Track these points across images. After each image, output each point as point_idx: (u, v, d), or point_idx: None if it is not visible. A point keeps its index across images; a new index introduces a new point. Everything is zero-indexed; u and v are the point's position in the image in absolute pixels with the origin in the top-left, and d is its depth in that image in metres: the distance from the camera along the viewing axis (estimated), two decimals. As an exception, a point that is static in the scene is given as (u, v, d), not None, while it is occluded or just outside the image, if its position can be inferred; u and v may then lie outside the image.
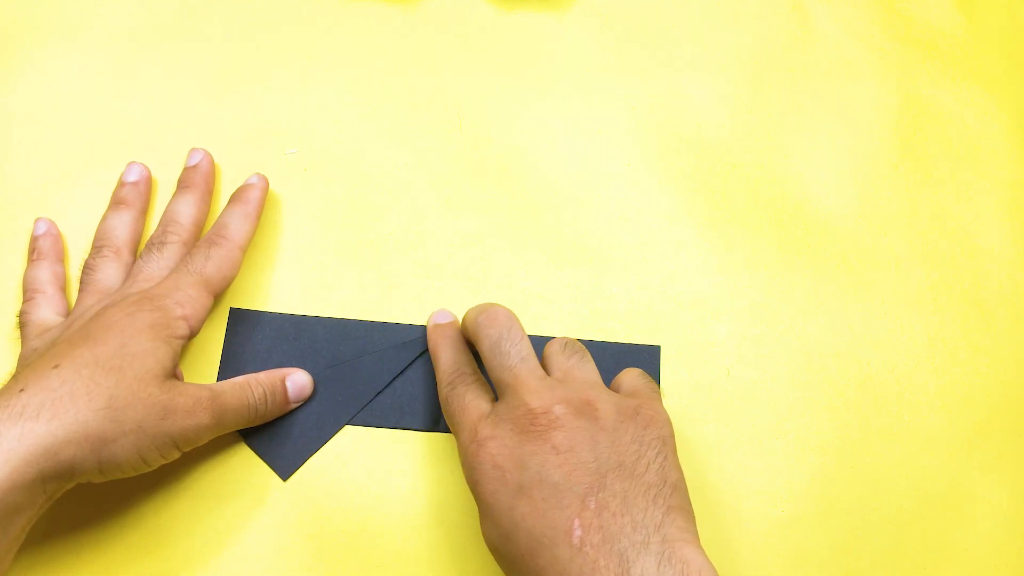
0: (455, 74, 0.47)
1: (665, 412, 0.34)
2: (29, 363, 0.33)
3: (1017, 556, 0.40)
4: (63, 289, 0.40)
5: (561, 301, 0.42)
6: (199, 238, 0.40)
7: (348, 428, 0.39)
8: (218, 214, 0.41)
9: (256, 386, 0.37)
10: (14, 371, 0.36)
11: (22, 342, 0.37)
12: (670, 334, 0.42)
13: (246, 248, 0.40)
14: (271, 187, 0.43)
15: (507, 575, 0.31)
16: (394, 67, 0.47)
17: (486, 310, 0.37)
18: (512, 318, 0.37)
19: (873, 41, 0.50)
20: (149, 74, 0.46)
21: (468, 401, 0.35)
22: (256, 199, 0.41)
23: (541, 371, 0.35)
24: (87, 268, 0.39)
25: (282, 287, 0.41)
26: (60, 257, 0.41)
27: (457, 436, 0.34)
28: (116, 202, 0.41)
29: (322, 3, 0.48)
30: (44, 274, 0.39)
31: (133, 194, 0.41)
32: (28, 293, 0.39)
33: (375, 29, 0.48)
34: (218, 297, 0.39)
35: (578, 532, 0.29)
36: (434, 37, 0.48)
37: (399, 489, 0.38)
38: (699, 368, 0.41)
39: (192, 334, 0.36)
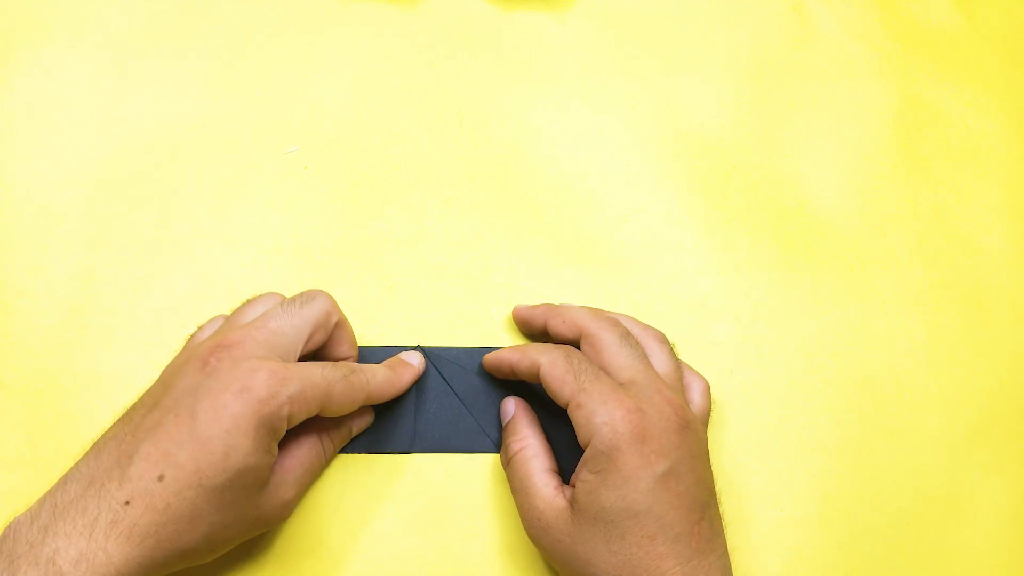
0: (455, 74, 0.47)
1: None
2: (136, 455, 0.30)
3: (1017, 556, 0.40)
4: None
5: (561, 301, 0.42)
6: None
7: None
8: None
9: (328, 444, 0.36)
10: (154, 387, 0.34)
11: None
12: (670, 334, 0.42)
13: (369, 402, 0.36)
14: (270, 187, 0.43)
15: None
16: (394, 67, 0.47)
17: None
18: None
19: (873, 41, 0.50)
20: (149, 74, 0.46)
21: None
22: (406, 380, 0.38)
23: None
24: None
25: (282, 287, 0.41)
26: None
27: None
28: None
29: (322, 3, 0.48)
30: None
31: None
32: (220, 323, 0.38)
33: (375, 29, 0.47)
34: (319, 414, 0.34)
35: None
36: (434, 37, 0.48)
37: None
38: (699, 368, 0.41)
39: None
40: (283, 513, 0.34)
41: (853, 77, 0.49)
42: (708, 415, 0.38)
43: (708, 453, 0.35)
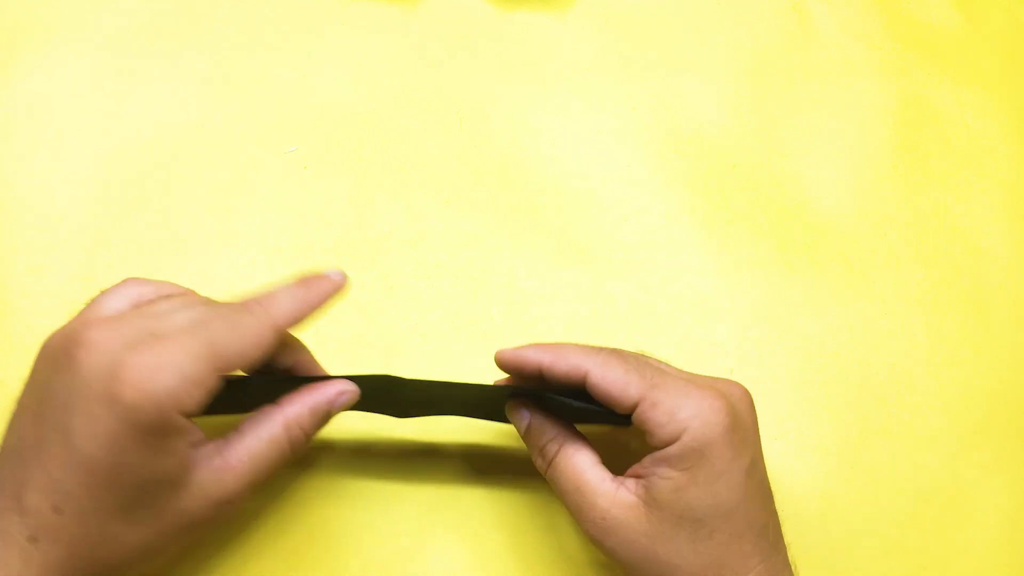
0: (455, 74, 0.47)
1: None
2: (27, 482, 0.27)
3: (1017, 556, 0.40)
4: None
5: (561, 301, 0.42)
6: None
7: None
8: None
9: (298, 434, 0.31)
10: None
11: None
12: (670, 334, 0.42)
13: (280, 332, 0.31)
14: (270, 187, 0.43)
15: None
16: (394, 67, 0.47)
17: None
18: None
19: (873, 41, 0.50)
20: (149, 74, 0.46)
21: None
22: (322, 291, 0.32)
23: None
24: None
25: (282, 287, 0.41)
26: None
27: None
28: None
29: (322, 3, 0.48)
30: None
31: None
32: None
33: (375, 29, 0.47)
34: (223, 374, 0.29)
35: None
36: (434, 37, 0.48)
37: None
38: (699, 368, 0.41)
39: (193, 415, 0.28)
40: (222, 512, 0.29)
41: (853, 77, 0.49)
42: None
43: None
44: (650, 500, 0.31)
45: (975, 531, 0.40)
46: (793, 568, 0.33)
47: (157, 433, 0.27)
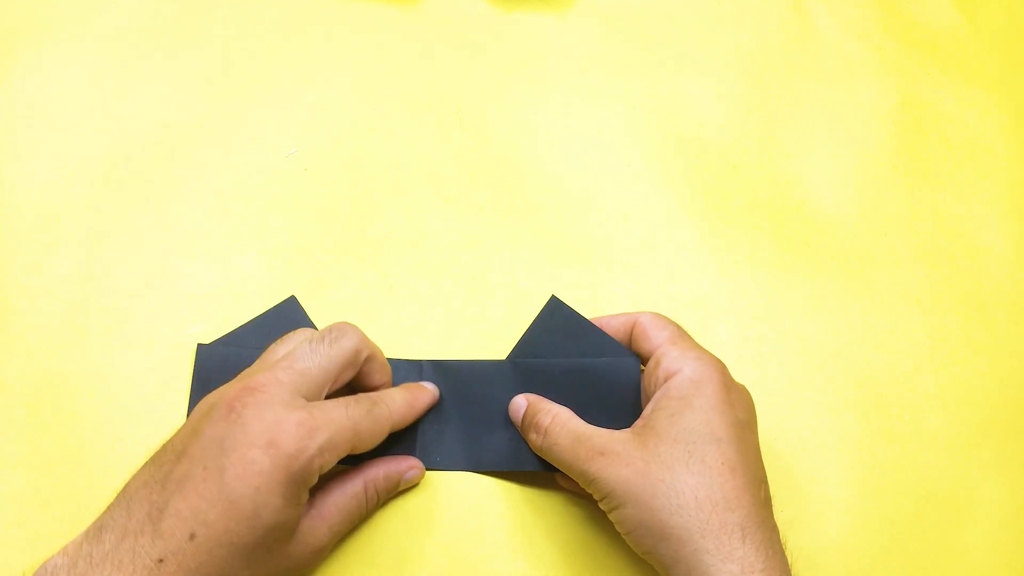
0: (455, 74, 0.47)
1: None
2: (166, 510, 0.30)
3: (1017, 556, 0.40)
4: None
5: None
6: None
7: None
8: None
9: (372, 495, 0.36)
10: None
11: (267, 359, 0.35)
12: (670, 334, 0.42)
13: (394, 430, 0.36)
14: (270, 186, 0.43)
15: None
16: (394, 67, 0.47)
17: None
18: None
19: (873, 41, 0.50)
20: (149, 74, 0.46)
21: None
22: (424, 402, 0.38)
23: None
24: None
25: (282, 288, 0.41)
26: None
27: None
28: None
29: (322, 3, 0.48)
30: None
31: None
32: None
33: (375, 29, 0.47)
34: (345, 454, 0.33)
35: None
36: (434, 37, 0.48)
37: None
38: (699, 368, 0.41)
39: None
40: (314, 561, 0.34)
41: (853, 77, 0.49)
42: None
43: None
44: (647, 430, 0.34)
45: (976, 531, 0.40)
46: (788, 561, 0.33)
47: (299, 483, 0.31)
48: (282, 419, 0.31)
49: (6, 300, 0.41)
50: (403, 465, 0.37)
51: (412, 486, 0.38)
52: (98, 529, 0.30)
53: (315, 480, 0.32)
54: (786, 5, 0.50)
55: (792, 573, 0.32)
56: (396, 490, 0.37)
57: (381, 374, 0.37)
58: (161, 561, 0.29)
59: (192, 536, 0.29)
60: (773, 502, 0.34)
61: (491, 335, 0.41)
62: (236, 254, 0.42)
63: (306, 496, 0.32)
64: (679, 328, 0.37)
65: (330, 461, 0.32)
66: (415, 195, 0.44)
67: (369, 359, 0.36)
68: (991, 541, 0.40)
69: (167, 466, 0.31)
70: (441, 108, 0.46)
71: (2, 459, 0.37)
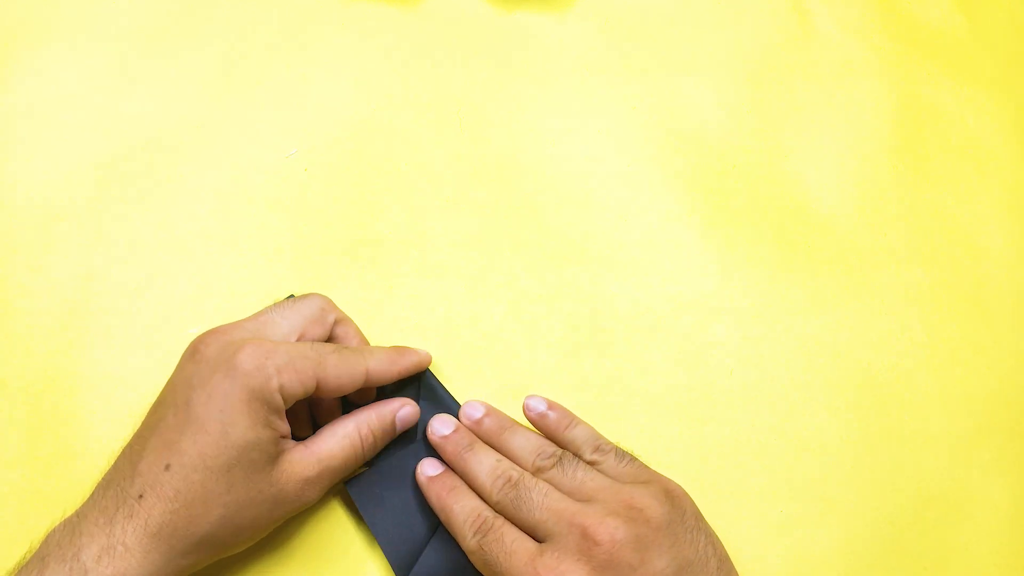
0: (455, 74, 0.47)
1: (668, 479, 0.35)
2: (144, 451, 0.32)
3: (1017, 556, 0.40)
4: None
5: (561, 301, 0.42)
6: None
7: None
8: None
9: (367, 435, 0.36)
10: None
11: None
12: (670, 334, 0.42)
13: (369, 379, 0.36)
14: (270, 187, 0.43)
15: None
16: (394, 67, 0.47)
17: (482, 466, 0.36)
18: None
19: (873, 41, 0.50)
20: (149, 74, 0.46)
21: (511, 542, 0.33)
22: (410, 361, 0.38)
23: (561, 494, 0.34)
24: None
25: (282, 287, 0.41)
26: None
27: None
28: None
29: (322, 3, 0.48)
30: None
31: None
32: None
33: (375, 29, 0.48)
34: (314, 395, 0.34)
35: None
36: (434, 37, 0.48)
37: None
38: (699, 368, 0.41)
39: (285, 407, 0.33)
40: (305, 492, 0.33)
41: (853, 77, 0.49)
42: None
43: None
44: None
45: (975, 531, 0.40)
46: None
47: (260, 399, 0.32)
48: (239, 345, 0.33)
49: (6, 300, 0.41)
50: (395, 404, 0.37)
51: (410, 427, 0.37)
52: (94, 490, 0.33)
53: (280, 402, 0.32)
54: (786, 5, 0.50)
55: (792, 574, 0.32)
56: (392, 431, 0.37)
57: (358, 342, 0.38)
58: (141, 496, 0.31)
59: (167, 467, 0.31)
60: (773, 502, 0.34)
61: (491, 335, 0.41)
62: (236, 254, 0.42)
63: (277, 419, 0.32)
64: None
65: (292, 383, 0.32)
66: (415, 195, 0.44)
67: (339, 322, 0.37)
68: (991, 541, 0.40)
69: (147, 418, 0.33)
70: (441, 108, 0.46)
71: (2, 458, 0.37)
